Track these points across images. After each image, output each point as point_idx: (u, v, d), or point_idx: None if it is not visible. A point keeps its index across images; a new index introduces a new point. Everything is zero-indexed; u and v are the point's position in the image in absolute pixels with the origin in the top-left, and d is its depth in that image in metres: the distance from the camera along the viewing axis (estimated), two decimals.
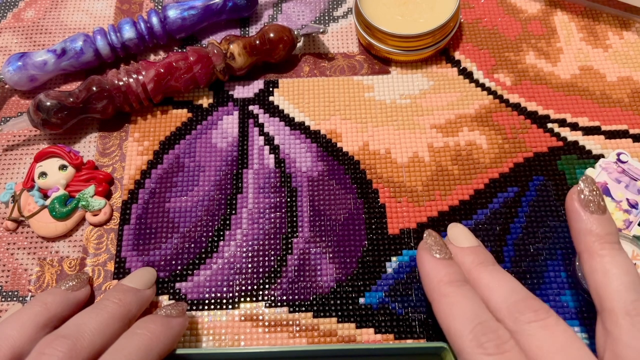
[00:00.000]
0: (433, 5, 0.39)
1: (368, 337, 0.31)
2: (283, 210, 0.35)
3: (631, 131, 0.37)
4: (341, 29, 0.43)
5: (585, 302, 0.32)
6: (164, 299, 0.33)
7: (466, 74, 0.40)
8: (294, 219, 0.35)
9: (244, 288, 0.33)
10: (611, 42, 0.41)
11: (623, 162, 0.35)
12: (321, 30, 0.39)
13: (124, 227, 0.35)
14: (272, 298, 0.33)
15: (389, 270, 0.33)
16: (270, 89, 0.40)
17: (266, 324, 0.32)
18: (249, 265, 0.34)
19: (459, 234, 0.30)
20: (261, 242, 0.34)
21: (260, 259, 0.34)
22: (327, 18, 0.43)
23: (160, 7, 0.44)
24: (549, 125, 0.38)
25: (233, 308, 0.32)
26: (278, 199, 0.36)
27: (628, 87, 0.39)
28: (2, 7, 0.44)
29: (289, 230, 0.35)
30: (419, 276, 0.29)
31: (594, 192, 0.27)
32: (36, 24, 0.43)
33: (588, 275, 0.26)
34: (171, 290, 0.33)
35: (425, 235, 0.29)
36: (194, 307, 0.33)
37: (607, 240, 0.26)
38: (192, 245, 0.34)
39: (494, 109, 0.39)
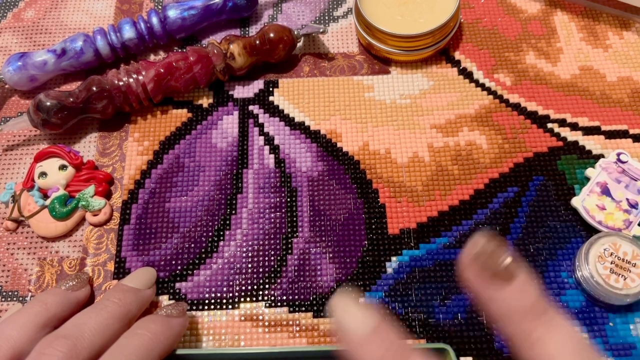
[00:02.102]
0: (433, 5, 0.39)
1: None
2: (283, 210, 0.35)
3: (631, 131, 0.37)
4: (341, 29, 0.43)
5: (586, 302, 0.32)
6: (164, 299, 0.33)
7: (466, 74, 0.40)
8: (294, 219, 0.35)
9: (244, 288, 0.33)
10: (611, 42, 0.41)
11: (623, 162, 0.35)
12: (321, 30, 0.39)
13: (124, 227, 0.35)
14: (272, 298, 0.33)
15: (389, 270, 0.33)
16: (270, 89, 0.40)
17: (266, 324, 0.32)
18: (249, 265, 0.34)
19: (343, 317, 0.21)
20: (261, 242, 0.34)
21: (260, 259, 0.34)
22: (327, 18, 0.43)
23: (160, 7, 0.44)
24: (549, 125, 0.38)
25: (233, 308, 0.32)
26: (278, 199, 0.36)
27: (628, 87, 0.39)
28: (2, 7, 0.44)
29: (289, 230, 0.35)
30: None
31: (494, 256, 0.20)
32: (36, 24, 0.43)
33: None
34: (171, 290, 0.33)
35: (334, 304, 0.21)
36: (194, 307, 0.33)
37: (535, 313, 0.20)
38: (192, 245, 0.34)
39: (494, 109, 0.39)
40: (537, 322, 0.20)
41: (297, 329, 0.32)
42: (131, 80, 0.36)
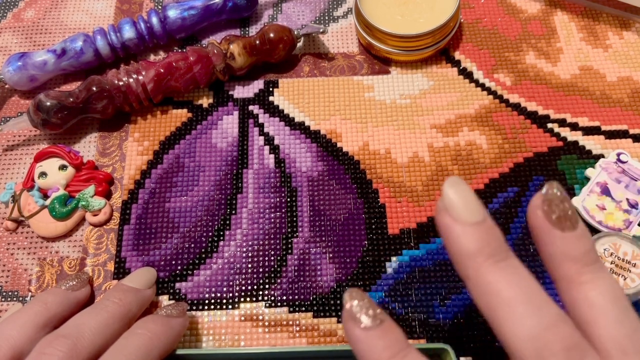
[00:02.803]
0: (433, 5, 0.39)
1: None
2: (283, 210, 0.35)
3: (631, 131, 0.37)
4: (341, 29, 0.43)
5: None
6: (164, 299, 0.33)
7: (466, 74, 0.40)
8: (294, 219, 0.35)
9: (244, 288, 0.33)
10: (611, 42, 0.41)
11: (623, 162, 0.35)
12: (321, 30, 0.39)
13: (124, 227, 0.35)
14: (272, 298, 0.33)
15: (389, 270, 0.33)
16: (270, 89, 0.40)
17: (266, 324, 0.32)
18: (249, 265, 0.34)
19: (457, 200, 0.22)
20: (261, 242, 0.34)
21: (260, 259, 0.34)
22: (327, 18, 0.43)
23: (160, 7, 0.44)
24: (549, 125, 0.38)
25: (233, 308, 0.32)
26: (278, 199, 0.36)
27: (628, 87, 0.39)
28: (2, 7, 0.44)
29: (289, 230, 0.35)
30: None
31: (563, 202, 0.22)
32: (36, 24, 0.43)
33: (570, 307, 0.21)
34: (171, 290, 0.33)
35: (345, 298, 0.22)
36: (194, 307, 0.33)
37: (586, 262, 0.21)
38: (192, 245, 0.34)
39: (494, 109, 0.39)
40: (586, 269, 0.21)
41: (297, 329, 0.32)
42: (131, 80, 0.36)
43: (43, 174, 0.35)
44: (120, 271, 0.34)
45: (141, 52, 0.41)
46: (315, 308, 0.32)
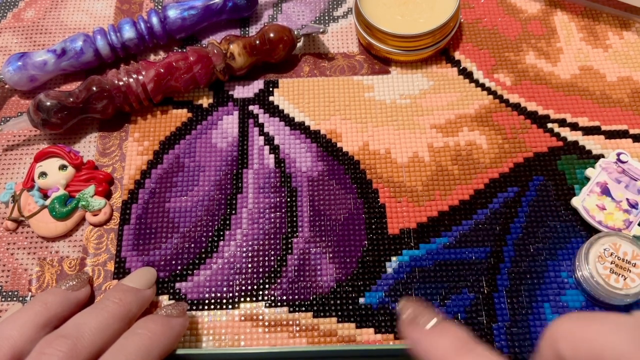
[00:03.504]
0: (433, 5, 0.39)
1: (368, 337, 0.31)
2: (283, 210, 0.35)
3: (631, 131, 0.37)
4: (341, 29, 0.43)
5: (586, 302, 0.32)
6: (164, 299, 0.33)
7: (466, 74, 0.40)
8: (294, 219, 0.35)
9: (244, 288, 0.33)
10: (611, 42, 0.41)
11: (623, 162, 0.35)
12: (321, 30, 0.39)
13: (124, 227, 0.35)
14: (272, 298, 0.33)
15: (389, 270, 0.33)
16: (270, 89, 0.40)
17: (266, 324, 0.32)
18: (249, 265, 0.34)
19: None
20: (261, 242, 0.34)
21: (260, 259, 0.34)
22: (327, 18, 0.43)
23: (160, 7, 0.44)
24: (549, 125, 0.38)
25: (233, 308, 0.32)
26: (278, 199, 0.36)
27: (628, 87, 0.39)
28: (2, 7, 0.44)
29: (289, 230, 0.35)
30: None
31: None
32: (36, 24, 0.43)
33: None
34: (171, 290, 0.33)
35: (401, 308, 0.24)
36: (194, 307, 0.33)
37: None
38: (192, 245, 0.34)
39: (494, 109, 0.39)
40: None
41: (297, 329, 0.32)
42: (131, 80, 0.36)
43: (43, 174, 0.35)
44: (120, 271, 0.34)
45: (141, 52, 0.41)
46: (315, 308, 0.32)
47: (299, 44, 0.42)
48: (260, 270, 0.34)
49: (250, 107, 0.39)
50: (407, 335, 0.23)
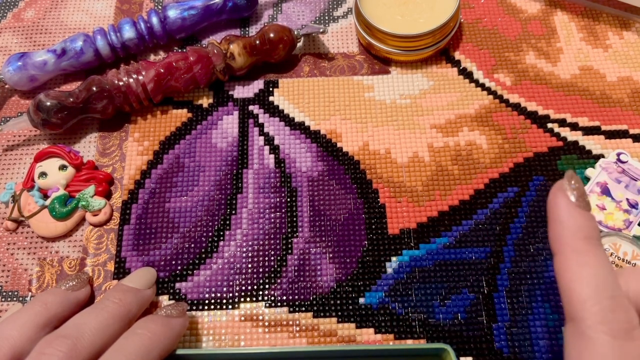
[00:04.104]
0: (433, 5, 0.39)
1: (368, 337, 0.31)
2: (283, 210, 0.35)
3: (631, 131, 0.37)
4: (341, 29, 0.43)
5: None
6: (164, 299, 0.33)
7: (466, 74, 0.40)
8: (294, 219, 0.35)
9: (244, 288, 0.33)
10: (611, 42, 0.41)
11: (623, 162, 0.35)
12: (321, 30, 0.39)
13: (124, 227, 0.35)
14: (272, 298, 0.33)
15: (389, 270, 0.33)
16: (270, 89, 0.40)
17: (266, 324, 0.32)
18: (249, 265, 0.34)
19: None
20: (261, 242, 0.34)
21: (260, 259, 0.34)
22: (327, 18, 0.43)
23: (160, 7, 0.44)
24: (549, 125, 0.38)
25: (233, 308, 0.32)
26: (278, 199, 0.36)
27: (628, 87, 0.39)
28: (2, 7, 0.44)
29: (289, 230, 0.35)
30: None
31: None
32: (36, 24, 0.43)
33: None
34: (171, 290, 0.33)
35: (566, 175, 0.23)
36: (194, 307, 0.33)
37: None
38: (192, 245, 0.34)
39: (494, 109, 0.39)
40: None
41: (297, 329, 0.32)
42: (131, 80, 0.36)
43: (43, 174, 0.35)
44: (120, 271, 0.34)
45: (141, 52, 0.41)
46: (315, 308, 0.32)
47: (299, 44, 0.42)
48: (260, 270, 0.34)
49: (250, 107, 0.39)
50: (552, 197, 0.23)
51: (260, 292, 0.33)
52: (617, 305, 0.21)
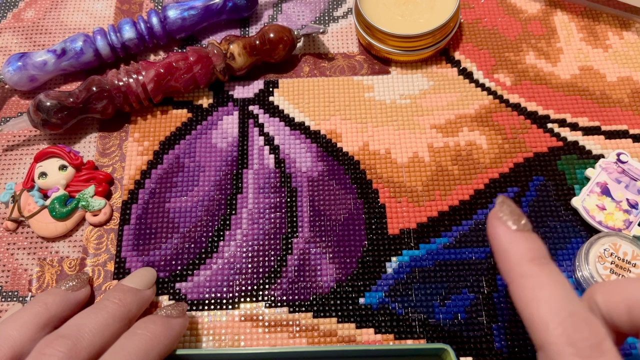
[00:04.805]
0: (433, 5, 0.39)
1: (368, 337, 0.31)
2: (283, 210, 0.35)
3: (631, 131, 0.37)
4: (341, 29, 0.43)
5: None
6: (164, 299, 0.33)
7: (466, 74, 0.40)
8: (294, 219, 0.35)
9: (244, 288, 0.33)
10: (611, 42, 0.41)
11: (623, 162, 0.35)
12: (321, 30, 0.39)
13: (124, 227, 0.35)
14: (272, 298, 0.33)
15: (389, 270, 0.33)
16: (270, 89, 0.40)
17: (266, 324, 0.32)
18: (249, 265, 0.34)
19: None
20: (261, 242, 0.34)
21: (260, 259, 0.34)
22: (327, 18, 0.43)
23: (160, 7, 0.44)
24: (549, 125, 0.38)
25: (233, 308, 0.32)
26: (278, 199, 0.36)
27: (628, 87, 0.39)
28: (2, 7, 0.44)
29: (289, 230, 0.35)
30: (495, 253, 0.25)
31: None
32: (36, 24, 0.43)
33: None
34: (171, 290, 0.33)
35: (497, 202, 0.23)
36: (194, 307, 0.33)
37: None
38: (192, 245, 0.34)
39: (494, 109, 0.39)
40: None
41: (297, 329, 0.32)
42: (131, 80, 0.36)
43: (43, 174, 0.35)
44: (120, 271, 0.34)
45: (141, 52, 0.41)
46: (315, 308, 0.32)
47: (299, 44, 0.42)
48: (260, 270, 0.34)
49: (250, 107, 0.39)
50: (490, 229, 0.23)
51: (260, 292, 0.33)
52: (579, 321, 0.20)
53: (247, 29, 0.43)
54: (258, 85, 0.40)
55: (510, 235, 0.22)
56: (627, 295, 0.21)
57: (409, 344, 0.31)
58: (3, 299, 0.33)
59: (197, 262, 0.34)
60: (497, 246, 0.23)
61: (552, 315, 0.20)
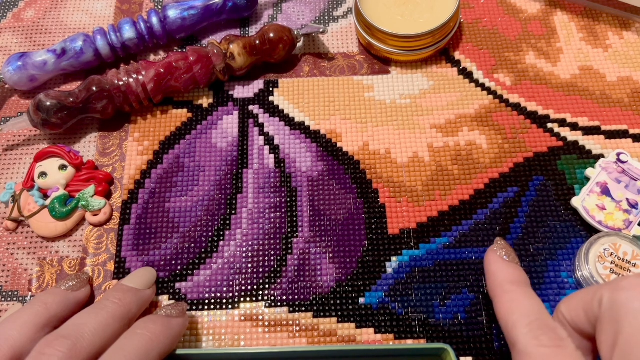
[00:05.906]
0: (433, 5, 0.39)
1: (368, 337, 0.31)
2: (283, 210, 0.35)
3: (631, 131, 0.37)
4: (341, 29, 0.43)
5: None
6: (164, 299, 0.33)
7: (466, 74, 0.40)
8: (294, 219, 0.35)
9: (244, 288, 0.33)
10: (611, 42, 0.41)
11: (623, 162, 0.35)
12: (321, 30, 0.39)
13: (124, 227, 0.35)
14: (272, 298, 0.33)
15: (389, 270, 0.33)
16: (270, 89, 0.40)
17: (266, 324, 0.32)
18: (249, 265, 0.34)
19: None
20: (261, 242, 0.34)
21: (260, 259, 0.34)
22: (327, 18, 0.43)
23: (160, 7, 0.44)
24: (549, 125, 0.38)
25: (233, 308, 0.32)
26: (278, 199, 0.36)
27: (628, 87, 0.39)
28: (2, 7, 0.44)
29: (289, 230, 0.35)
30: (486, 273, 0.30)
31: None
32: (36, 24, 0.43)
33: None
34: (171, 290, 0.33)
35: (495, 241, 0.30)
36: (194, 307, 0.33)
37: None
38: (192, 245, 0.34)
39: (494, 109, 0.39)
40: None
41: (297, 329, 0.32)
42: (131, 80, 0.36)
43: (43, 174, 0.35)
44: (120, 271, 0.34)
45: (141, 52, 0.41)
46: (315, 308, 0.32)
47: (299, 44, 0.42)
48: (260, 270, 0.34)
49: (250, 107, 0.39)
50: (486, 257, 0.29)
51: (260, 292, 0.33)
52: (544, 325, 0.24)
53: (247, 29, 0.43)
54: (258, 85, 0.40)
55: (501, 263, 0.28)
56: (582, 299, 0.25)
57: (409, 343, 0.31)
58: (3, 299, 0.33)
59: (197, 262, 0.34)
60: (489, 270, 0.29)
61: (522, 320, 0.25)
